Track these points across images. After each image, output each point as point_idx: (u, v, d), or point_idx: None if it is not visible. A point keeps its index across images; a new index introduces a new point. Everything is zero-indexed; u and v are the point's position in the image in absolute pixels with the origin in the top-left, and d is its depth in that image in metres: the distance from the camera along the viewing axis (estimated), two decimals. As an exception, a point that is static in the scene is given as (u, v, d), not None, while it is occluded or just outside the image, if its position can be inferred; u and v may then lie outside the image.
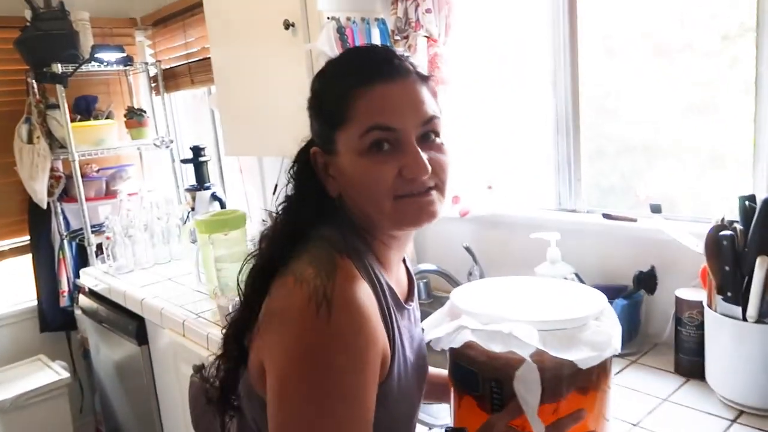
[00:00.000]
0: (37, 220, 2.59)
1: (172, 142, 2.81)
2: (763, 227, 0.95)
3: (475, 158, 1.55)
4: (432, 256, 1.74)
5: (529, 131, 1.60)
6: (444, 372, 0.99)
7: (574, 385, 0.73)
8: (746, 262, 0.96)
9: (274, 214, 0.80)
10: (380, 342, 0.68)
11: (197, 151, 2.48)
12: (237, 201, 2.61)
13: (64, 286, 2.61)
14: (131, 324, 1.99)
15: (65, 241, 2.61)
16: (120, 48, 2.57)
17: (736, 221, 1.01)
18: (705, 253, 1.02)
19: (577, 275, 1.32)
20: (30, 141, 2.43)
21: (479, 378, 0.75)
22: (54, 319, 2.64)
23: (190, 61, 2.61)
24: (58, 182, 2.56)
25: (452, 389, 0.83)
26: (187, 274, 2.10)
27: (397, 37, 1.54)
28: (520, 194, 1.60)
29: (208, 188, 2.47)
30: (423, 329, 0.83)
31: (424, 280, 1.72)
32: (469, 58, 1.52)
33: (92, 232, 2.48)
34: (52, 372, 2.43)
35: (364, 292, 0.68)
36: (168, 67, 2.77)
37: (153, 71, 2.80)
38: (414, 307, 0.86)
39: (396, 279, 0.83)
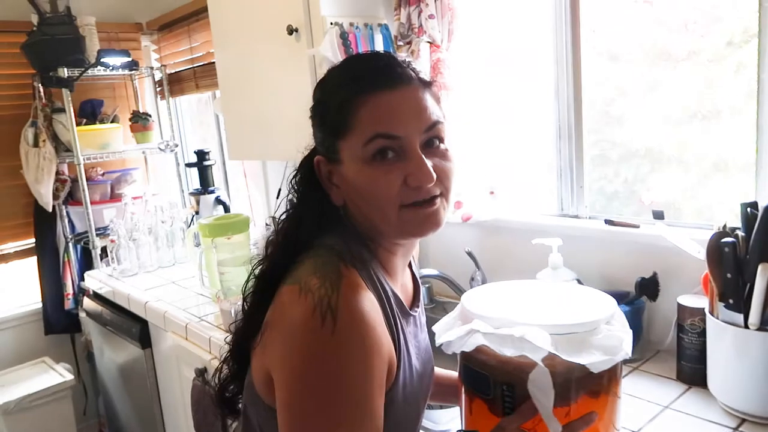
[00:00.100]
0: (43, 223, 2.61)
1: (177, 146, 2.82)
2: (764, 234, 0.94)
3: (478, 163, 1.55)
4: (434, 261, 1.74)
5: (532, 137, 1.60)
6: (452, 373, 1.00)
7: (585, 389, 0.73)
8: (748, 270, 0.96)
9: (278, 222, 0.80)
10: (386, 351, 0.68)
11: (202, 155, 2.50)
12: (241, 205, 2.61)
13: (69, 289, 2.63)
14: (135, 327, 2.00)
15: (70, 244, 2.62)
16: (126, 52, 2.58)
17: (738, 228, 1.01)
18: (706, 260, 1.01)
19: (578, 281, 1.32)
20: (36, 144, 2.44)
21: (490, 381, 0.75)
22: (58, 321, 2.65)
23: (195, 65, 2.63)
24: (64, 185, 2.57)
25: (463, 392, 0.83)
26: (191, 278, 2.11)
27: (400, 43, 1.54)
28: (522, 200, 1.60)
29: (212, 192, 2.49)
30: (434, 332, 0.83)
31: (427, 285, 1.72)
32: (471, 63, 1.53)
33: (97, 235, 2.49)
34: (56, 374, 2.44)
35: (369, 302, 0.68)
36: (173, 71, 2.79)
37: (158, 75, 2.82)
38: (420, 312, 0.86)
39: (401, 285, 0.83)
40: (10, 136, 2.50)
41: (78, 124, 2.49)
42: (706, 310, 1.05)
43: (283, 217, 0.80)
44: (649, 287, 1.24)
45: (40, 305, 2.65)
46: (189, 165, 2.61)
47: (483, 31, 1.53)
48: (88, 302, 2.37)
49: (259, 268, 0.79)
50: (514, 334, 0.70)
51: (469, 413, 0.82)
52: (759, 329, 0.94)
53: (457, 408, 1.15)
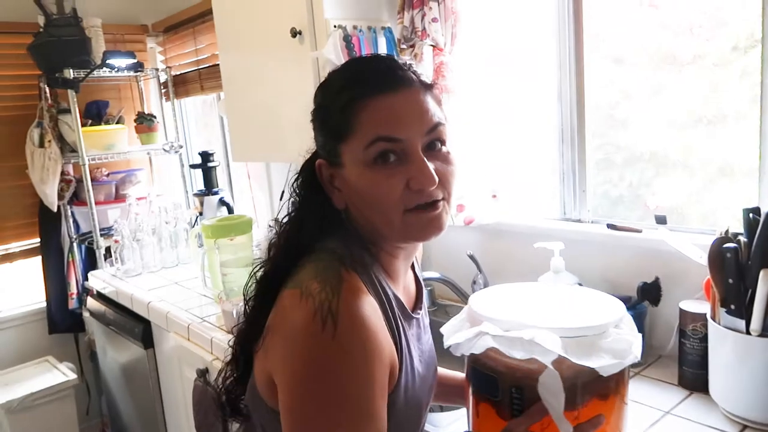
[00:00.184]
0: (48, 223, 2.62)
1: (181, 147, 2.84)
2: (766, 240, 0.94)
3: (480, 167, 1.55)
4: (436, 264, 1.74)
5: (534, 140, 1.60)
6: (457, 374, 1.00)
7: (594, 392, 0.73)
8: (750, 275, 0.95)
9: (280, 226, 0.80)
10: (387, 354, 0.68)
11: (206, 156, 2.51)
12: (245, 206, 2.62)
13: (73, 289, 2.64)
14: (137, 327, 2.01)
15: (75, 244, 2.63)
16: (131, 54, 2.60)
17: (741, 234, 1.00)
18: (708, 265, 1.01)
19: (580, 285, 1.31)
20: (41, 145, 2.46)
21: (499, 384, 0.75)
22: (62, 320, 2.66)
23: (200, 67, 2.64)
24: (69, 186, 2.59)
25: (470, 394, 0.83)
26: (194, 279, 2.12)
27: (404, 46, 1.55)
28: (524, 203, 1.60)
29: (216, 193, 2.49)
30: (442, 334, 0.83)
31: (429, 288, 1.72)
32: (474, 67, 1.53)
33: (101, 235, 2.51)
34: (59, 373, 2.45)
35: (370, 306, 0.68)
36: (178, 73, 2.80)
37: (163, 77, 2.83)
38: (423, 314, 0.86)
39: (404, 287, 0.83)
40: (16, 136, 2.52)
41: (83, 124, 2.51)
42: (708, 316, 1.05)
43: (285, 220, 0.80)
44: (651, 292, 1.24)
45: (44, 304, 2.66)
46: (193, 166, 2.62)
47: (486, 35, 1.53)
48: (91, 302, 2.38)
49: (261, 271, 0.79)
50: (523, 337, 0.70)
51: (476, 415, 0.82)
52: (760, 335, 0.94)
53: (459, 410, 1.16)
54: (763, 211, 0.97)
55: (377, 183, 0.70)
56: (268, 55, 1.72)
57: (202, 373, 1.57)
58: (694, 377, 1.11)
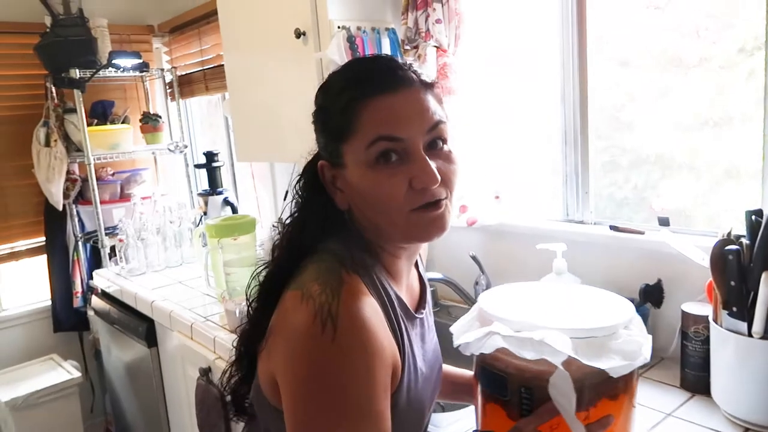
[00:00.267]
0: (53, 222, 2.64)
1: (186, 147, 2.85)
2: (769, 242, 0.94)
3: (483, 168, 1.55)
4: (439, 264, 1.74)
5: (537, 142, 1.60)
6: (465, 372, 1.00)
7: (604, 392, 0.73)
8: (752, 277, 0.95)
9: (283, 227, 0.81)
10: (388, 355, 0.68)
11: (210, 156, 2.52)
12: (249, 206, 2.63)
13: (78, 287, 2.65)
14: (141, 326, 2.02)
15: (80, 243, 2.65)
16: (137, 54, 2.61)
17: (743, 236, 1.00)
18: (710, 267, 1.01)
19: (583, 286, 1.31)
20: (47, 144, 2.47)
21: (508, 383, 0.76)
22: (67, 319, 2.68)
23: (205, 68, 2.65)
24: (74, 185, 2.60)
25: (479, 393, 0.83)
26: (198, 278, 2.13)
27: (407, 47, 1.55)
28: (527, 205, 1.60)
29: (220, 193, 2.50)
30: (451, 334, 0.84)
31: (431, 289, 1.72)
32: (478, 68, 1.53)
33: (106, 234, 2.52)
34: (63, 371, 2.47)
35: (370, 307, 0.68)
36: (183, 73, 2.82)
37: (169, 77, 2.85)
38: (427, 313, 0.86)
39: (407, 287, 0.83)
40: (22, 135, 2.54)
41: (89, 124, 2.53)
42: (710, 318, 1.04)
43: (288, 221, 0.80)
44: (653, 294, 1.24)
45: (49, 303, 2.68)
46: (198, 166, 2.64)
47: (489, 36, 1.54)
48: (96, 300, 2.40)
49: (264, 272, 0.79)
50: (533, 338, 0.70)
51: (484, 415, 0.83)
52: (762, 338, 0.94)
53: (461, 411, 1.16)
54: (765, 213, 0.97)
55: (379, 183, 0.70)
56: (271, 56, 1.72)
57: (205, 372, 1.57)
58: (696, 379, 1.11)
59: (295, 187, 0.81)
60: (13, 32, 2.52)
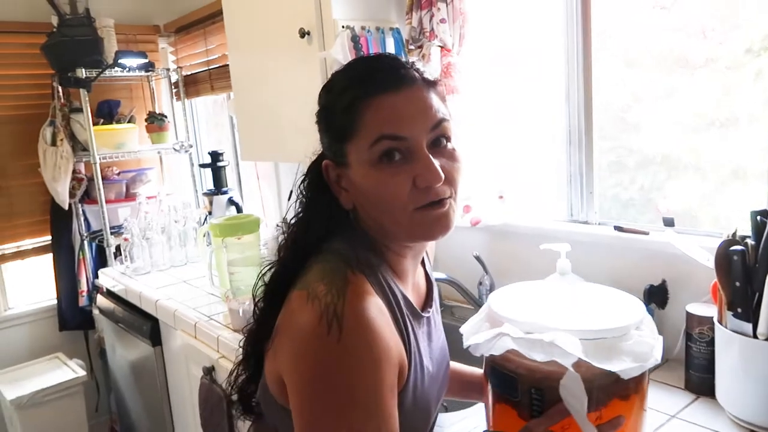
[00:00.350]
0: (59, 221, 2.65)
1: (191, 146, 2.86)
2: (775, 243, 0.93)
3: (487, 167, 1.55)
4: (442, 264, 1.74)
5: (542, 142, 1.60)
6: (475, 370, 1.00)
7: (615, 393, 0.73)
8: (757, 278, 0.95)
9: (288, 227, 0.81)
10: (394, 354, 0.68)
11: (215, 156, 2.52)
12: (254, 206, 2.64)
13: (84, 286, 2.67)
14: (146, 325, 2.02)
15: (85, 242, 2.66)
16: (142, 54, 2.62)
17: (749, 236, 0.99)
18: (715, 268, 1.00)
19: (587, 287, 1.30)
20: (54, 143, 2.49)
21: (518, 384, 0.75)
22: (73, 318, 2.69)
23: (210, 67, 2.66)
24: (80, 184, 2.61)
25: (489, 393, 0.83)
26: (202, 277, 2.13)
27: (412, 47, 1.55)
28: (531, 205, 1.60)
29: (225, 193, 2.51)
30: (462, 334, 0.84)
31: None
32: (482, 67, 1.53)
33: (111, 233, 2.53)
34: (69, 370, 2.48)
35: (376, 307, 0.68)
36: (189, 73, 2.83)
37: (174, 77, 2.86)
38: (434, 311, 0.86)
39: (413, 286, 0.83)
40: (29, 135, 2.55)
41: (95, 123, 2.54)
42: (715, 319, 1.04)
43: (293, 221, 0.81)
44: (658, 295, 1.23)
45: (55, 302, 2.69)
46: (203, 166, 2.64)
47: (494, 36, 1.53)
48: (101, 299, 2.41)
49: (270, 272, 0.79)
50: (543, 339, 0.70)
51: (495, 415, 0.82)
52: (767, 339, 0.93)
53: (464, 410, 1.16)
54: (771, 214, 0.96)
55: (383, 182, 0.70)
56: (276, 56, 1.73)
57: (209, 371, 1.58)
58: (700, 381, 1.10)
59: (299, 186, 0.81)
60: (20, 32, 2.54)
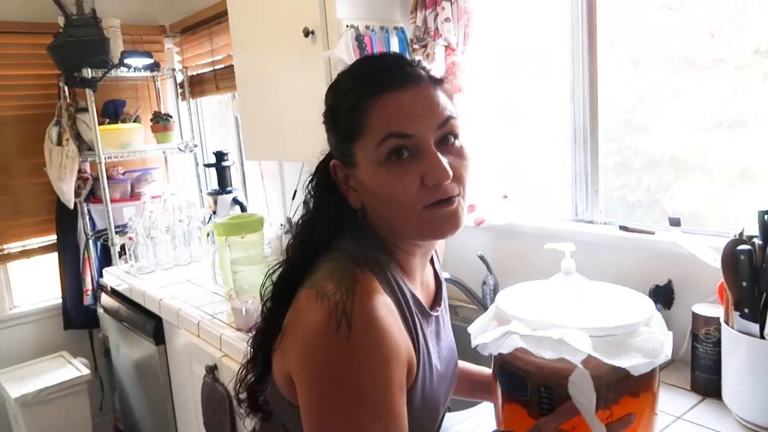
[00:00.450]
0: (64, 220, 2.66)
1: (196, 146, 2.86)
2: (782, 242, 0.92)
3: (492, 167, 1.54)
4: (446, 264, 1.71)
5: (546, 141, 1.59)
6: (483, 369, 1.00)
7: (626, 390, 0.72)
8: (764, 278, 0.93)
9: (296, 226, 0.81)
10: (403, 353, 0.68)
11: (220, 155, 2.53)
12: (258, 205, 2.64)
13: (88, 285, 2.68)
14: (149, 324, 2.03)
15: (90, 241, 2.67)
16: (148, 54, 2.63)
17: (756, 236, 0.98)
18: (722, 267, 0.99)
19: (591, 287, 1.30)
20: (59, 143, 2.50)
21: (528, 383, 0.75)
22: (77, 316, 2.70)
23: (215, 68, 2.66)
24: (86, 183, 2.62)
25: (498, 393, 0.82)
26: (206, 276, 2.13)
27: (416, 46, 1.54)
28: (536, 204, 1.59)
29: (229, 192, 2.52)
30: (469, 333, 0.83)
31: (440, 288, 1.71)
32: (486, 66, 1.52)
33: (116, 232, 2.54)
34: (73, 368, 2.49)
35: (385, 306, 0.68)
36: (194, 73, 2.83)
37: (180, 77, 2.87)
38: (443, 310, 0.86)
39: (422, 284, 0.83)
40: (35, 134, 2.56)
41: (101, 123, 2.55)
42: (722, 320, 1.02)
43: (301, 221, 0.81)
44: (663, 295, 1.22)
45: (60, 300, 2.70)
46: (208, 165, 2.65)
47: (498, 35, 1.53)
48: (105, 298, 2.41)
49: (278, 271, 0.79)
50: (552, 337, 0.70)
51: (504, 414, 0.82)
52: (775, 340, 0.92)
53: (467, 410, 1.15)
54: (779, 213, 0.95)
55: (391, 181, 0.70)
56: (280, 55, 1.73)
57: (211, 370, 1.58)
58: (706, 382, 1.09)
59: (307, 186, 0.81)
60: (27, 32, 2.55)
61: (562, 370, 0.70)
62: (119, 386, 2.51)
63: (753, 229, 1.00)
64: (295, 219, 0.82)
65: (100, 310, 2.52)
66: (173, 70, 2.84)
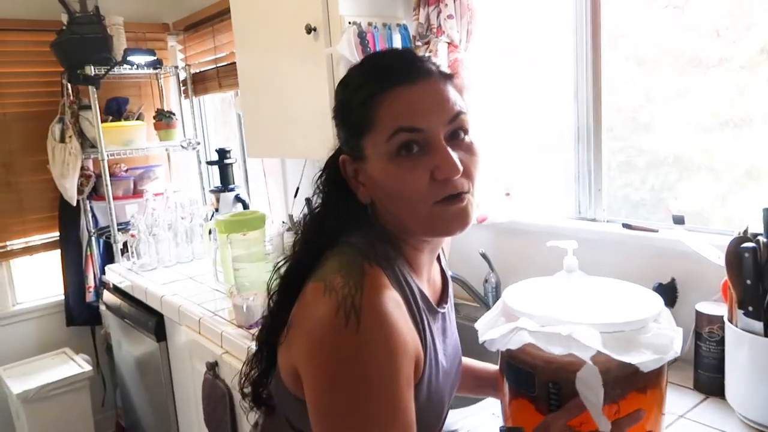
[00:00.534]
0: (67, 217, 2.67)
1: (199, 144, 2.87)
2: (787, 240, 0.91)
3: (494, 164, 1.54)
4: (448, 261, 1.72)
5: (549, 138, 1.58)
6: (488, 366, 1.00)
7: (634, 385, 0.72)
8: (769, 276, 0.93)
9: (305, 220, 0.81)
10: (411, 348, 0.68)
11: (223, 153, 2.53)
12: (260, 203, 2.64)
13: (91, 282, 2.68)
14: (151, 320, 2.03)
15: (93, 238, 2.68)
16: (151, 51, 2.64)
17: (760, 234, 0.97)
18: (725, 265, 0.98)
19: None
20: (62, 140, 2.50)
21: (536, 379, 0.74)
22: (80, 313, 2.71)
23: (218, 65, 2.66)
24: (88, 181, 2.63)
25: (506, 389, 0.82)
26: (208, 273, 2.13)
27: (419, 43, 1.54)
28: (538, 202, 1.58)
29: (232, 190, 2.52)
30: (476, 329, 0.83)
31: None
32: (489, 64, 1.52)
33: (119, 230, 2.54)
34: (75, 365, 2.49)
35: (393, 301, 0.68)
36: (197, 71, 2.84)
37: (183, 75, 2.87)
38: (449, 307, 0.86)
39: (429, 280, 0.83)
40: (38, 131, 2.57)
41: (103, 121, 2.55)
42: (725, 318, 1.02)
43: (310, 215, 0.80)
44: (666, 293, 1.21)
45: (62, 297, 2.71)
46: (210, 163, 2.65)
47: (502, 32, 1.52)
48: (108, 295, 2.42)
49: (285, 265, 0.79)
50: (561, 333, 0.69)
51: (512, 410, 0.82)
52: (779, 338, 0.91)
53: (467, 408, 1.14)
54: (783, 211, 0.94)
55: (401, 176, 0.70)
56: (283, 52, 1.72)
57: (212, 367, 1.58)
58: (710, 381, 1.08)
59: (316, 181, 0.81)
60: (31, 30, 2.56)
61: (571, 365, 0.70)
62: (121, 383, 2.52)
63: (757, 226, 0.99)
64: (297, 217, 0.82)
65: (103, 307, 2.53)
66: (176, 67, 2.84)
